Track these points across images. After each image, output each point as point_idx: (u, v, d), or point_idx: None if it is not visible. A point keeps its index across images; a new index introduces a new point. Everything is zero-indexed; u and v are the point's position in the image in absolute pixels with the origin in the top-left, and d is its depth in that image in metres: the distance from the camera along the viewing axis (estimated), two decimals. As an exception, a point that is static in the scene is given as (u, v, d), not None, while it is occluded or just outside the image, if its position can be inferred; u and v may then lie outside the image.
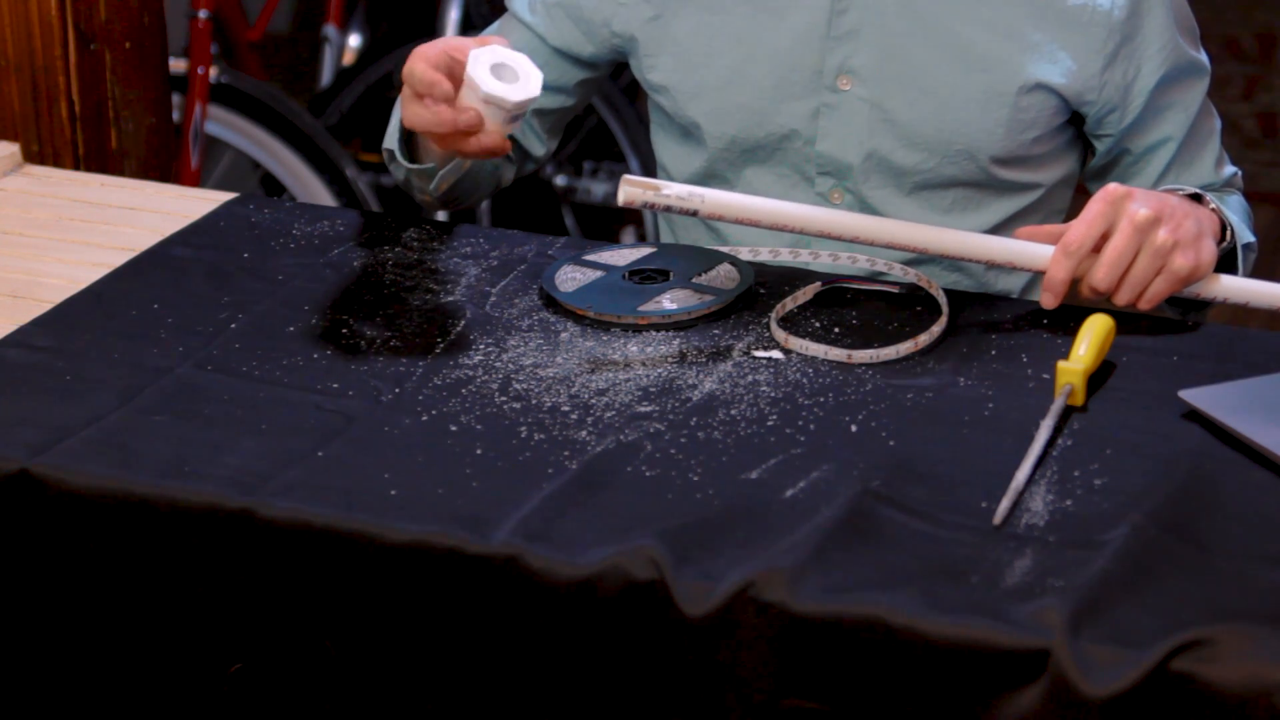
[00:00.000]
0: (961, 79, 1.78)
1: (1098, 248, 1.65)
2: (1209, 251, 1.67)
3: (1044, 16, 1.77)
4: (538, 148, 1.96)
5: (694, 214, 1.67)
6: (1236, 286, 1.69)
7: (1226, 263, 1.75)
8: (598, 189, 3.73)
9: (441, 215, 3.44)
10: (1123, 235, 1.64)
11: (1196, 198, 1.74)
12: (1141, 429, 1.50)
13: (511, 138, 1.91)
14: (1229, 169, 1.90)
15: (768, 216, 1.69)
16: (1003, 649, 1.27)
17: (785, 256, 1.78)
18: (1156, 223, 1.63)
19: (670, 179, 1.91)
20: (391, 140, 1.84)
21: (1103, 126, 1.83)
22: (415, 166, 1.82)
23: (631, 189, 1.64)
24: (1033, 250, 1.70)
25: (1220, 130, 1.89)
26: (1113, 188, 1.65)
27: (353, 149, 3.59)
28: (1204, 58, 1.85)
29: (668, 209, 1.66)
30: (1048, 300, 1.67)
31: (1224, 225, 1.73)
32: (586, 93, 1.96)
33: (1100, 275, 1.65)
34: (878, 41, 1.79)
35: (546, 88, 1.91)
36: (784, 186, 1.85)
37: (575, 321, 1.67)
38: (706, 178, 1.89)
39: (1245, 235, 1.79)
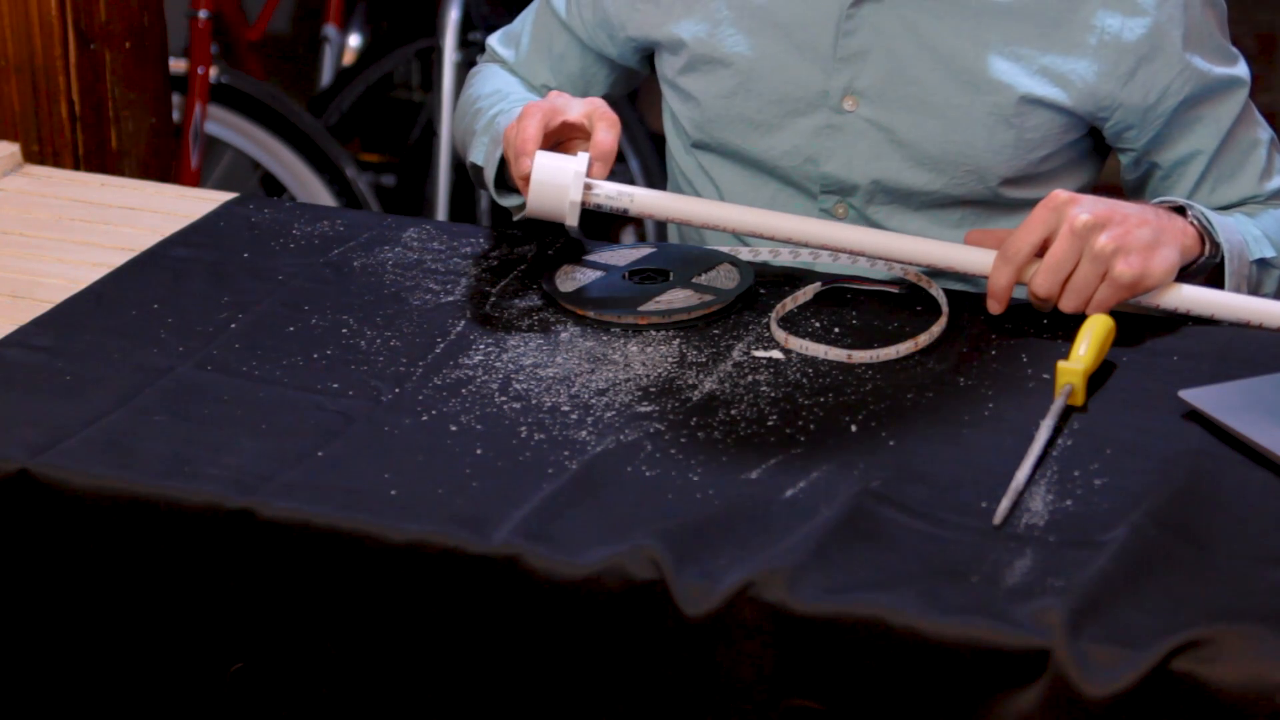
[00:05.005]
0: (968, 101, 1.78)
1: (1042, 254, 1.64)
2: (1163, 260, 1.63)
3: (1052, 39, 1.76)
4: None
5: (624, 212, 1.70)
6: (1198, 298, 1.66)
7: (1214, 277, 1.73)
8: (597, 189, 3.72)
9: (441, 214, 3.44)
10: (1062, 240, 1.62)
11: (1181, 211, 1.71)
12: (1141, 429, 1.50)
13: None
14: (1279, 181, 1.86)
15: (698, 217, 1.71)
16: (1003, 649, 1.27)
17: (785, 257, 1.78)
18: (1097, 228, 1.61)
19: (683, 176, 1.93)
20: (486, 163, 1.81)
21: (1122, 140, 1.82)
22: (508, 203, 1.80)
23: None
24: (976, 256, 1.69)
25: (1271, 142, 1.85)
26: (1057, 194, 1.64)
27: (353, 149, 3.59)
28: (1239, 71, 1.81)
29: (598, 207, 1.68)
30: (993, 307, 1.66)
31: (1204, 239, 1.70)
32: (629, 83, 2.00)
33: (1039, 281, 1.63)
34: (884, 63, 1.79)
35: (597, 83, 1.97)
36: (786, 198, 1.86)
37: (575, 321, 1.67)
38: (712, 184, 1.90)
39: (1261, 250, 1.76)
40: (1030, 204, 1.81)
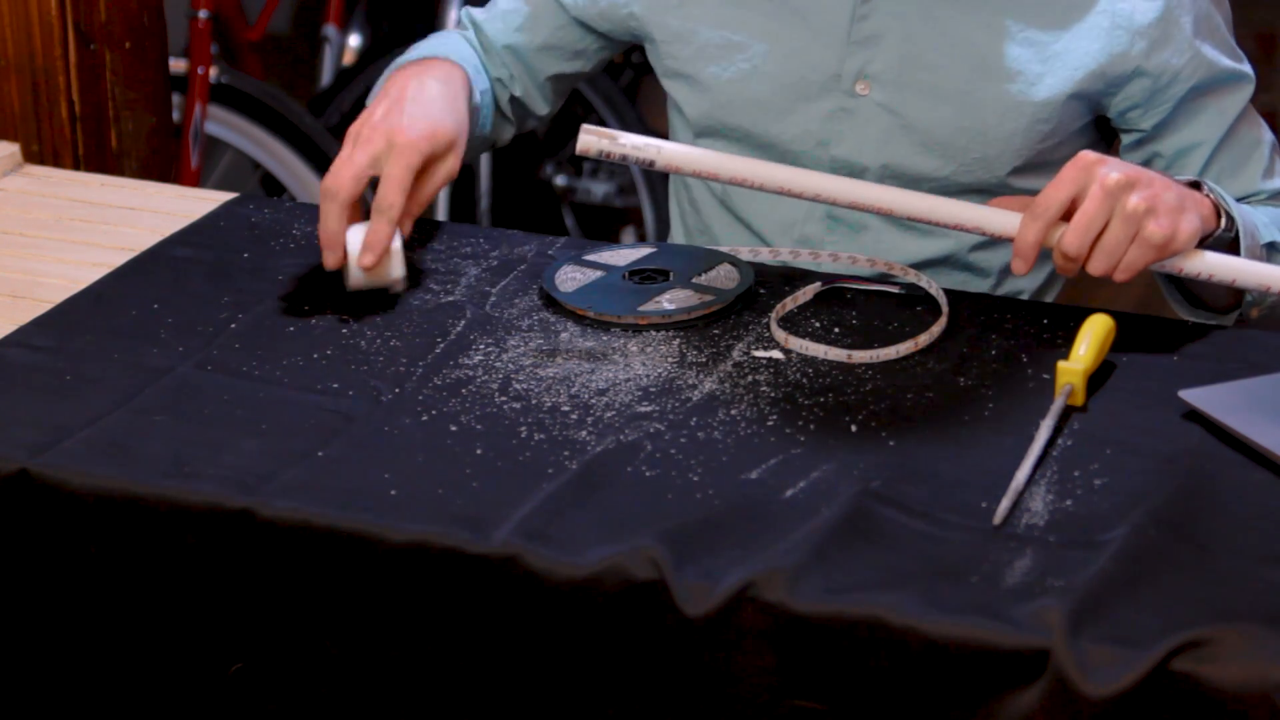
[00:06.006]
0: (981, 88, 1.78)
1: (1070, 215, 1.61)
2: (1189, 224, 1.61)
3: (1064, 25, 1.76)
4: (543, 108, 1.99)
5: (651, 164, 1.66)
6: (1221, 264, 1.64)
7: (1226, 253, 1.72)
8: (598, 189, 3.73)
9: (441, 214, 3.44)
10: (1093, 199, 1.59)
11: (1195, 186, 1.70)
12: (1141, 429, 1.50)
13: (518, 98, 1.97)
14: None
15: (725, 170, 1.67)
16: (1003, 649, 1.27)
17: (785, 256, 1.78)
18: (1129, 187, 1.58)
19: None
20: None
21: (1126, 121, 1.82)
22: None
23: (588, 138, 1.64)
24: (1003, 217, 1.65)
25: (1272, 144, 1.85)
26: (1085, 154, 1.61)
27: (353, 149, 3.58)
28: (1245, 67, 1.82)
29: (624, 158, 1.65)
30: (1018, 265, 1.62)
31: (1219, 212, 1.68)
32: (602, 61, 1.98)
33: (1069, 239, 1.59)
34: (898, 48, 1.79)
35: (563, 52, 1.95)
36: None
37: (575, 321, 1.67)
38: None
39: (1270, 235, 1.76)
40: (1036, 193, 1.81)
